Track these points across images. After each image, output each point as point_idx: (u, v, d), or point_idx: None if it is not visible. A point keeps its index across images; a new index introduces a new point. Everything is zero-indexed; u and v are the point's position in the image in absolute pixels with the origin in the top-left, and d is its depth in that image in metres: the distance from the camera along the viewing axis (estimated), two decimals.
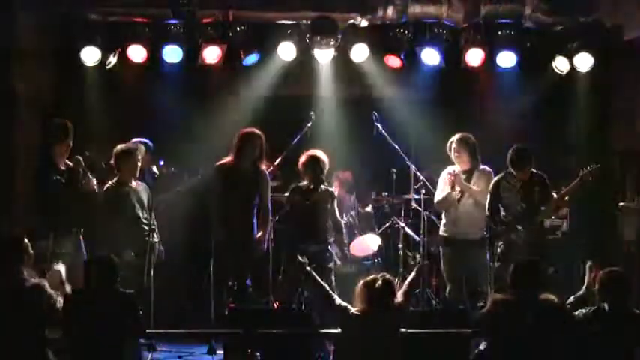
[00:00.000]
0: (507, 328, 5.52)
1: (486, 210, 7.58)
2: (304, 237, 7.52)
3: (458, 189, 7.77)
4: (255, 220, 7.59)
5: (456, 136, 7.84)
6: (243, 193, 7.53)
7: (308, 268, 6.10)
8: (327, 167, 7.66)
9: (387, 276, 5.74)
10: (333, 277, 7.50)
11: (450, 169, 7.94)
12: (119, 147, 7.55)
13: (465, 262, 7.80)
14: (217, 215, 7.50)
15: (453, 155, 7.85)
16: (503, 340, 5.57)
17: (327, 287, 6.09)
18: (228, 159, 7.60)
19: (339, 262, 7.82)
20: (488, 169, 7.85)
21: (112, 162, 7.46)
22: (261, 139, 7.57)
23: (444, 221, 7.95)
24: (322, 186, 7.66)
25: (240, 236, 7.47)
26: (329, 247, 7.66)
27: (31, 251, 5.67)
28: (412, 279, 6.09)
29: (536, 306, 5.50)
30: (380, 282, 5.65)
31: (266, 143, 7.58)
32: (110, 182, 7.49)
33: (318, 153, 7.63)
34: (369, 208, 9.08)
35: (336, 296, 5.94)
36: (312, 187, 7.62)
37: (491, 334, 5.74)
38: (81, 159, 7.39)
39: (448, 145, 7.87)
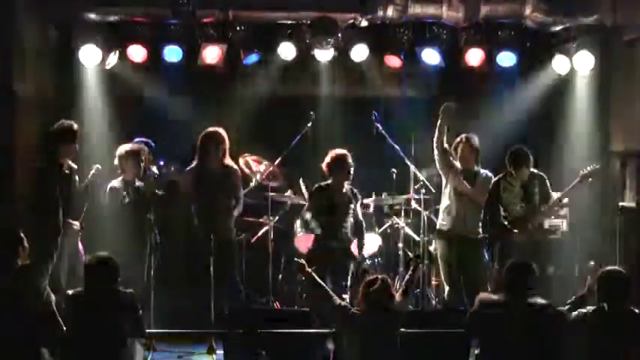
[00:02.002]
0: (494, 328, 5.52)
1: (483, 209, 7.57)
2: (327, 236, 7.52)
3: (458, 165, 7.75)
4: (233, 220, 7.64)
5: (464, 135, 7.85)
6: (217, 194, 7.54)
7: (308, 269, 6.09)
8: (352, 167, 7.57)
9: (385, 277, 5.74)
10: (349, 277, 7.50)
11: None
12: (123, 147, 7.58)
13: (463, 263, 7.79)
14: (197, 221, 7.53)
15: (457, 154, 7.84)
16: (491, 341, 5.57)
17: (327, 287, 6.09)
18: (194, 163, 7.60)
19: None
20: (489, 173, 7.83)
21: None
22: (222, 136, 7.58)
23: (441, 216, 7.91)
24: (347, 186, 7.63)
25: (221, 237, 7.46)
26: (351, 245, 7.65)
27: (26, 245, 5.66)
28: (408, 278, 6.09)
29: (523, 308, 5.49)
30: (377, 283, 5.65)
31: (228, 138, 7.59)
32: (114, 182, 7.51)
33: (344, 152, 7.57)
34: (368, 209, 9.06)
35: (336, 296, 5.94)
36: (336, 186, 7.58)
37: (477, 334, 5.74)
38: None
39: (454, 143, 7.86)
